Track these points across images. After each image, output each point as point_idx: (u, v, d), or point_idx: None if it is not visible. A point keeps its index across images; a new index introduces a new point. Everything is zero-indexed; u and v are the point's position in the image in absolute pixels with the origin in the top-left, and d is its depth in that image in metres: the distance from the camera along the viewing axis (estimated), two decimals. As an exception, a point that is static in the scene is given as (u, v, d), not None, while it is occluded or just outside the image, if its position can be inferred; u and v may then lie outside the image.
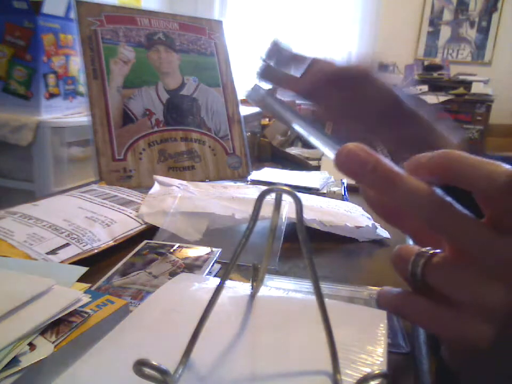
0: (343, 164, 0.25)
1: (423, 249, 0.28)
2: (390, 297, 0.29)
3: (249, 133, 1.09)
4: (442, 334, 0.28)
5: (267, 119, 1.66)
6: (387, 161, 0.25)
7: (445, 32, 3.52)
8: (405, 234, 0.33)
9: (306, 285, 0.42)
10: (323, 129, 0.40)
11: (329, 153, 0.33)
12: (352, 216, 0.60)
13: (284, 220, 0.52)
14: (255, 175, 0.86)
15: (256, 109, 1.47)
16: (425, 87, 3.15)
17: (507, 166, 0.24)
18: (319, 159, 1.10)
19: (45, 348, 0.25)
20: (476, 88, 3.08)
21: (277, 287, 0.42)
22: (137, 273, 0.41)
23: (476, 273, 0.25)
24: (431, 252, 0.28)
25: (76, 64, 1.67)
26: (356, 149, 0.25)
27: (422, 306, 0.28)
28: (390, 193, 0.25)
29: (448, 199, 0.25)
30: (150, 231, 0.52)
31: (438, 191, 0.25)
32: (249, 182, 0.82)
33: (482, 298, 0.25)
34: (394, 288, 0.30)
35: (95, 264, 0.42)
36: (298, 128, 0.36)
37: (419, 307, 0.28)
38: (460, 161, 0.25)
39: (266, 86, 0.44)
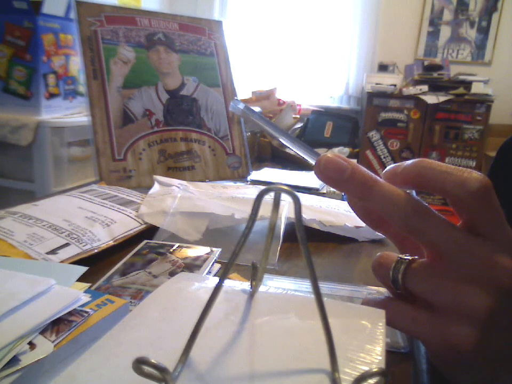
0: (323, 171, 0.25)
1: (403, 256, 0.28)
2: (373, 304, 0.29)
3: (249, 133, 1.09)
4: (424, 338, 0.28)
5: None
6: (363, 168, 0.26)
7: (445, 32, 3.52)
8: (389, 240, 0.33)
9: (306, 285, 0.42)
10: (297, 138, 0.41)
11: (309, 159, 0.34)
12: (352, 216, 0.60)
13: (283, 220, 0.52)
14: (255, 175, 0.86)
15: (255, 109, 1.47)
16: (425, 87, 3.14)
17: (478, 173, 0.25)
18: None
19: (44, 347, 0.25)
20: (476, 88, 3.07)
21: (277, 286, 0.42)
22: (137, 273, 0.41)
23: (454, 277, 0.25)
24: (411, 258, 0.28)
25: (76, 64, 1.67)
26: (333, 157, 0.25)
27: (404, 311, 0.28)
28: (367, 198, 0.26)
29: (424, 203, 0.26)
30: (150, 231, 0.53)
31: (414, 195, 0.26)
32: (249, 182, 0.82)
33: (461, 302, 0.25)
34: (377, 296, 0.30)
35: (95, 264, 0.42)
36: (275, 136, 0.37)
37: (401, 312, 0.28)
38: (433, 168, 0.26)
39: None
